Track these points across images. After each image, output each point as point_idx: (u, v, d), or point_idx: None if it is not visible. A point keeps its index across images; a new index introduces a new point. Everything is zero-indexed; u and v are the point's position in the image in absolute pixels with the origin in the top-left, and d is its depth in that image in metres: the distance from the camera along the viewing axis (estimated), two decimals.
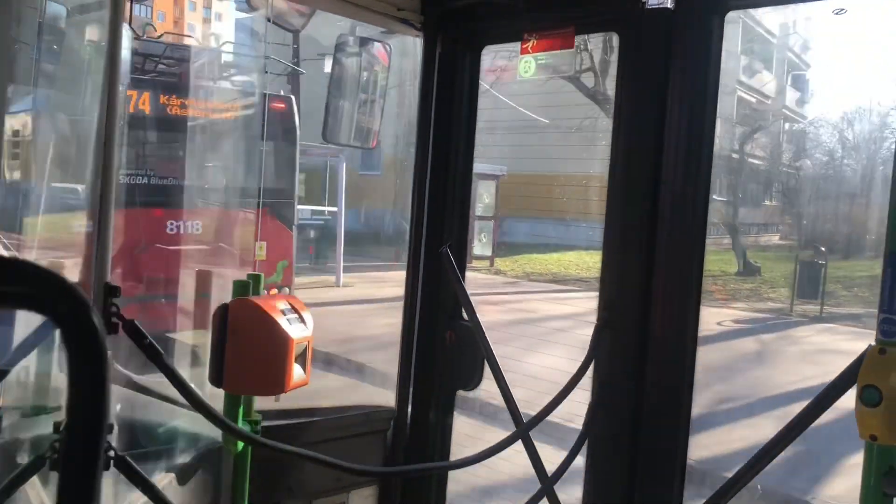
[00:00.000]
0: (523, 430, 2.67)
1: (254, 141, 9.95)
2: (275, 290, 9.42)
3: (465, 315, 3.14)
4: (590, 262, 19.26)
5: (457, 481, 3.54)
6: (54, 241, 3.41)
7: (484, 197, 19.82)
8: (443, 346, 3.18)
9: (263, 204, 10.08)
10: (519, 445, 2.73)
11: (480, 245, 19.89)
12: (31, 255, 3.17)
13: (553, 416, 2.69)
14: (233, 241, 9.94)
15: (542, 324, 13.15)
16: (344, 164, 17.10)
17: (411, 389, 3.20)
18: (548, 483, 2.61)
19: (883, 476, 1.58)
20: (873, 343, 1.63)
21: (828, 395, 2.00)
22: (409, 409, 3.19)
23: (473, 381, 3.13)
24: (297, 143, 10.89)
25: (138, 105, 9.28)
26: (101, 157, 1.95)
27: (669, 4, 2.54)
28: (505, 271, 20.36)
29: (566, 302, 15.62)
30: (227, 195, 10.07)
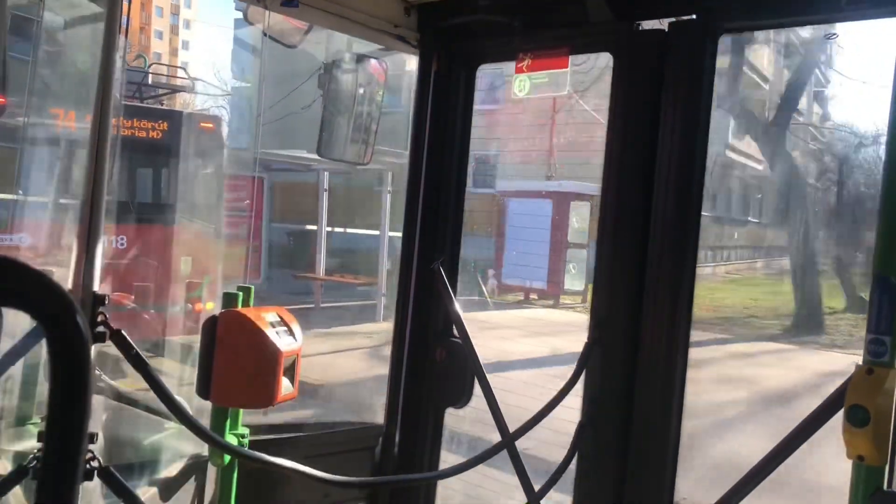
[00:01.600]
0: (509, 440, 2.66)
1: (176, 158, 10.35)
2: (200, 305, 9.85)
3: (455, 332, 3.14)
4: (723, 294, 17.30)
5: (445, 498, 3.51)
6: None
7: (574, 221, 17.18)
8: (433, 363, 3.17)
9: (189, 219, 10.45)
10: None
11: (570, 277, 17.16)
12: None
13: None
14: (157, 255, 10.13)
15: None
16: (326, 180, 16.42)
17: (400, 406, 3.18)
18: (534, 497, 2.60)
19: (870, 496, 1.57)
20: (860, 363, 1.63)
21: (817, 417, 2.00)
22: (398, 426, 3.17)
23: (463, 399, 3.12)
24: (224, 160, 11.55)
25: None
26: (92, 168, 1.95)
27: (663, 26, 2.57)
28: None
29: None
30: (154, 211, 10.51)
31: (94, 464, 1.95)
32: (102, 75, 1.93)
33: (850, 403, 1.58)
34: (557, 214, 17.32)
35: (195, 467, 2.50)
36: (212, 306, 9.59)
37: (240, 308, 2.45)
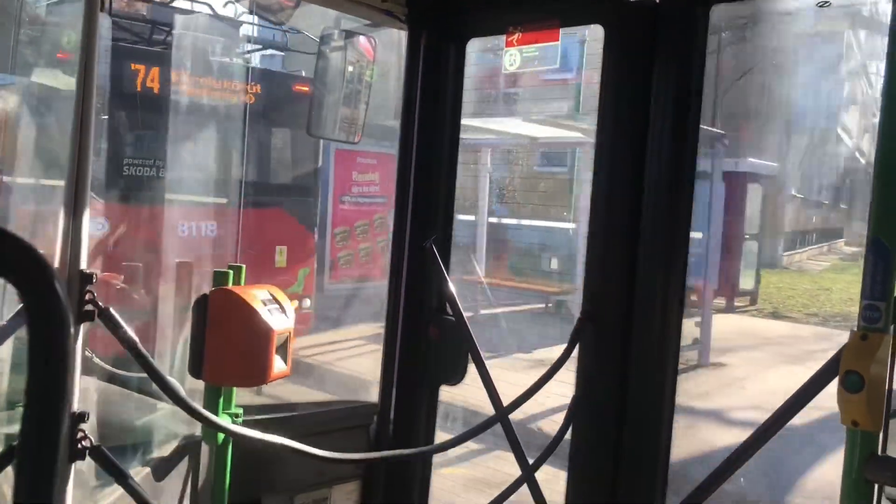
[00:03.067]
0: (502, 413, 2.66)
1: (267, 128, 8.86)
2: (295, 302, 8.06)
3: (449, 310, 3.12)
4: None
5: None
6: None
7: (749, 207, 14.17)
8: (426, 341, 3.17)
9: (279, 203, 9.14)
10: None
11: (745, 275, 14.25)
12: None
13: None
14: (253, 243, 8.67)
15: None
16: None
17: (394, 384, 3.17)
18: (528, 470, 2.61)
19: (864, 461, 1.57)
20: (855, 329, 1.63)
21: (812, 385, 2.00)
22: (393, 404, 3.16)
23: (457, 376, 3.11)
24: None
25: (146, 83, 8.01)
26: (76, 143, 1.92)
27: None
28: (785, 311, 14.58)
29: None
30: (240, 192, 8.70)
31: (86, 443, 1.93)
32: (84, 45, 1.89)
33: (845, 369, 1.58)
34: (731, 199, 13.64)
35: (189, 447, 2.49)
36: (295, 305, 8.39)
37: (231, 286, 2.43)
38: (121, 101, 7.77)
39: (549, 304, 13.54)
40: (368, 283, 13.06)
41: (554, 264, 13.97)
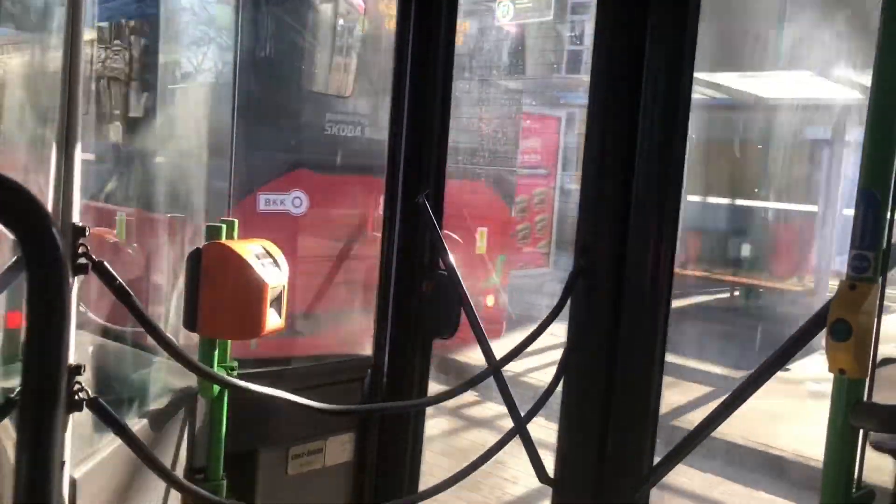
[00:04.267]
0: (496, 366, 2.69)
1: None
2: (491, 298, 7.24)
3: (441, 264, 3.14)
4: None
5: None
6: None
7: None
8: (419, 296, 3.18)
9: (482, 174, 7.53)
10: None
11: None
12: None
13: None
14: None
15: None
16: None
17: (388, 338, 3.20)
18: (520, 422, 2.64)
19: (851, 409, 1.61)
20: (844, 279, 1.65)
21: (801, 335, 2.02)
22: (386, 357, 3.19)
23: (449, 329, 3.14)
24: None
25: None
26: (66, 91, 1.90)
27: None
28: None
29: None
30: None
31: (83, 395, 1.95)
32: None
33: (833, 318, 1.60)
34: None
35: (184, 400, 2.52)
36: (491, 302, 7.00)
37: (224, 240, 2.43)
38: None
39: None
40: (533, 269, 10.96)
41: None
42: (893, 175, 1.66)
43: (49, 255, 0.89)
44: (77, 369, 1.92)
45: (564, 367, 2.69)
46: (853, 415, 1.61)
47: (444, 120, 3.14)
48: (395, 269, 3.20)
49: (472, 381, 2.70)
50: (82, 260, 1.92)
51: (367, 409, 3.18)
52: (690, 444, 2.38)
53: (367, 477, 3.19)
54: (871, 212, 1.62)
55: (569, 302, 2.73)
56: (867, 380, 1.66)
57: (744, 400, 2.18)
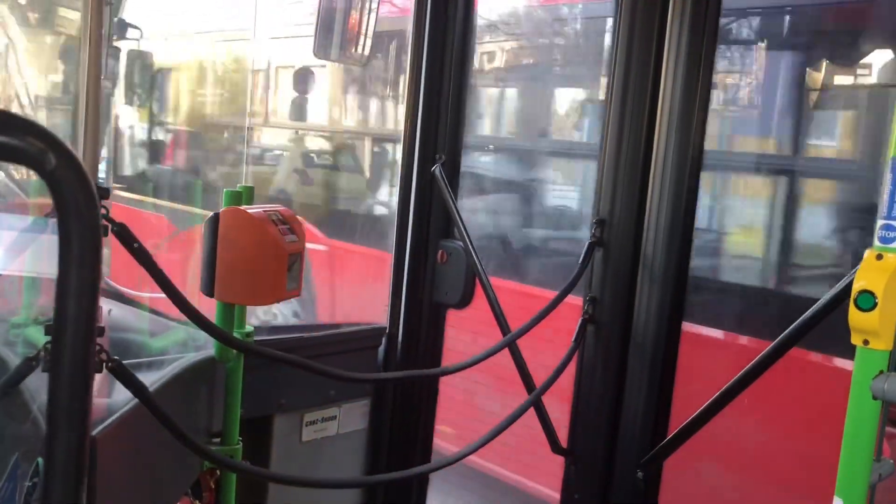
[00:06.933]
0: (511, 338, 2.70)
1: None
2: None
3: (456, 233, 3.14)
4: None
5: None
6: None
7: None
8: (434, 265, 3.19)
9: None
10: None
11: None
12: None
13: None
14: None
15: None
16: None
17: (403, 307, 3.21)
18: (535, 394, 2.66)
19: (873, 379, 1.60)
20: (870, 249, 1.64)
21: (824, 307, 2.02)
22: (401, 326, 3.21)
23: (465, 300, 3.15)
24: None
25: None
26: (89, 54, 1.89)
27: None
28: None
29: None
30: None
31: (103, 356, 1.96)
32: None
33: (859, 289, 1.59)
34: None
35: (203, 364, 2.52)
36: None
37: (242, 206, 2.42)
38: None
39: None
40: None
41: None
42: None
43: (84, 210, 0.89)
44: (100, 331, 1.92)
45: (580, 338, 2.70)
46: (875, 386, 1.61)
47: (462, 85, 3.12)
48: (411, 239, 3.20)
49: (487, 353, 2.70)
50: (103, 221, 1.91)
51: (381, 378, 3.20)
52: (705, 417, 2.38)
53: (381, 445, 3.22)
54: None
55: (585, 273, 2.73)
56: (890, 351, 1.65)
57: (762, 372, 2.18)
